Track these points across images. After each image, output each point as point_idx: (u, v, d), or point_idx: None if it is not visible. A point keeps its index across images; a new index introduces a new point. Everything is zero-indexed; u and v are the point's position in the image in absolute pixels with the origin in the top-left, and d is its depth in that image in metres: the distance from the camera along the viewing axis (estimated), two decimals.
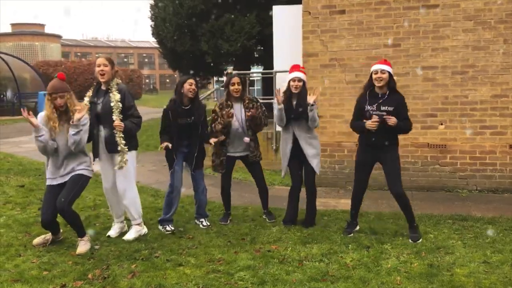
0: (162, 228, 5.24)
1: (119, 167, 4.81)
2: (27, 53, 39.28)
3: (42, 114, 4.52)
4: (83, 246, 4.58)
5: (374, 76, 4.77)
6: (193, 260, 4.31)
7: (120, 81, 4.94)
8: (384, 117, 4.66)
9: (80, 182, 4.61)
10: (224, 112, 5.35)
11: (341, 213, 5.85)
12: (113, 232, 5.09)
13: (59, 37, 46.70)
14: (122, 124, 4.73)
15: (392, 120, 4.64)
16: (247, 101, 5.47)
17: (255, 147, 5.51)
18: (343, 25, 7.27)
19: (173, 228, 5.23)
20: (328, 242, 4.75)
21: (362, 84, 7.13)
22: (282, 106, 5.12)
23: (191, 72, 14.25)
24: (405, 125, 4.81)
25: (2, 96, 23.78)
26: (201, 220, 5.47)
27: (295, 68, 5.23)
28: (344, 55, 7.30)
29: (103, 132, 4.84)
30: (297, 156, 5.28)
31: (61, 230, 4.92)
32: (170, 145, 5.09)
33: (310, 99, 5.05)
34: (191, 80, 5.19)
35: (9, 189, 7.23)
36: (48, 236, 4.78)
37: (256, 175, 5.65)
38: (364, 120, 4.79)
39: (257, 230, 5.22)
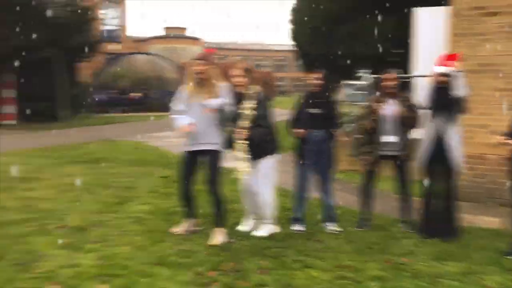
0: (292, 226, 5.33)
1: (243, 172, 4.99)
2: (173, 55, 42.53)
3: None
4: (218, 238, 4.83)
5: None
6: (321, 264, 4.31)
7: (257, 88, 5.10)
8: None
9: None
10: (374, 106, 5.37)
11: (482, 231, 5.42)
12: (245, 228, 5.29)
13: (200, 40, 49.80)
14: (245, 133, 4.94)
15: None
16: (401, 98, 5.39)
17: (406, 146, 5.36)
18: (494, 27, 6.71)
19: (301, 228, 5.28)
20: (466, 261, 4.42)
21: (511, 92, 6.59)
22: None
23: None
24: None
25: (151, 93, 26.03)
26: (327, 223, 5.45)
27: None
28: (494, 60, 6.74)
29: None
30: (438, 152, 5.10)
31: (199, 220, 5.23)
32: (303, 131, 5.18)
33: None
34: (315, 75, 5.33)
35: (154, 179, 7.90)
36: (187, 225, 5.13)
37: (401, 178, 5.47)
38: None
39: (388, 240, 5.04)
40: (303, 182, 5.38)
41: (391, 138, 5.33)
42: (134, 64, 26.39)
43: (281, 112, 5.44)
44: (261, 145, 4.97)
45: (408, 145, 5.41)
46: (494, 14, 6.70)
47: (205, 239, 4.89)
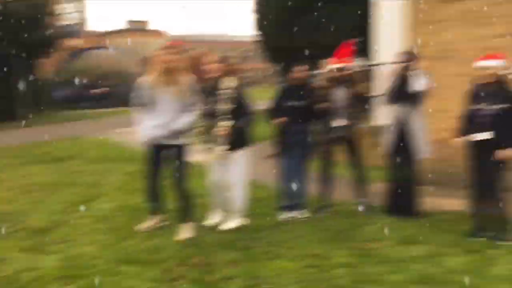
0: (280, 215, 5.39)
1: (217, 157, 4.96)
2: (137, 49, 41.80)
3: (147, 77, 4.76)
4: (186, 232, 4.77)
5: (480, 72, 4.47)
6: (290, 253, 4.32)
7: (234, 81, 5.03)
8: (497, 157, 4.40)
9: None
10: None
11: (447, 214, 5.54)
12: (212, 221, 5.25)
13: (164, 33, 49.10)
14: (226, 130, 4.88)
15: (501, 155, 4.36)
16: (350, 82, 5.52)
17: (356, 128, 5.51)
18: (454, 14, 6.83)
19: (303, 215, 5.39)
20: (431, 244, 4.52)
21: (472, 77, 6.74)
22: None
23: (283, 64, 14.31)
24: None
25: (115, 88, 25.54)
26: (300, 211, 5.48)
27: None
28: (454, 47, 6.87)
29: None
30: (401, 138, 5.30)
31: (166, 215, 5.17)
32: (284, 119, 5.21)
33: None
34: (300, 67, 5.39)
35: (121, 175, 7.75)
36: (155, 221, 5.05)
37: (354, 158, 5.62)
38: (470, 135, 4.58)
39: (356, 226, 5.11)
40: (288, 172, 5.40)
41: (342, 122, 5.43)
42: (96, 59, 25.83)
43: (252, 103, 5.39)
44: (239, 137, 4.96)
45: (359, 129, 5.56)
46: (453, 0, 6.83)
47: (173, 234, 4.83)
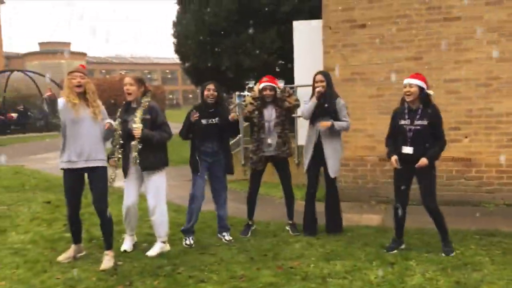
0: (184, 241, 5.29)
1: (111, 180, 4.83)
2: (54, 71, 40.22)
3: (62, 99, 4.58)
4: (107, 262, 4.61)
5: (404, 90, 4.77)
6: (215, 277, 4.30)
7: (149, 99, 5.00)
8: (416, 166, 4.66)
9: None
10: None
11: (365, 229, 5.77)
12: (127, 246, 5.11)
13: (84, 54, 47.75)
14: (140, 132, 4.76)
15: (422, 163, 4.64)
16: (279, 103, 5.61)
17: (282, 144, 5.59)
18: (364, 39, 7.25)
19: (191, 243, 5.25)
20: (352, 259, 4.69)
21: (384, 98, 7.17)
22: (316, 101, 5.39)
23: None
24: (437, 151, 4.76)
25: (29, 113, 24.35)
26: (223, 234, 5.48)
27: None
28: (365, 69, 7.28)
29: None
30: (318, 157, 5.45)
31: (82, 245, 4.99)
32: (197, 115, 5.18)
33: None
34: (209, 86, 5.36)
35: (36, 205, 7.36)
36: (72, 251, 4.84)
37: (283, 177, 5.71)
38: (392, 153, 4.84)
39: (280, 245, 5.19)
40: (195, 191, 5.35)
41: (271, 140, 5.55)
42: (9, 82, 24.45)
43: (172, 125, 5.33)
44: (155, 156, 4.88)
45: (288, 147, 5.67)
46: (363, 26, 7.25)
47: (92, 264, 4.65)
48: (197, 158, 5.31)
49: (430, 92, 4.84)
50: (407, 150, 4.75)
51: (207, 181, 5.49)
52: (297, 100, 5.68)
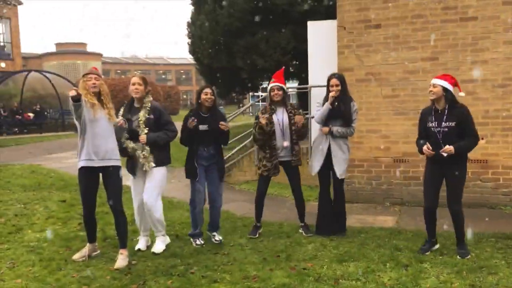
0: (193, 242, 5.31)
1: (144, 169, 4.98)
2: (70, 71, 40.70)
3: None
4: (121, 261, 4.65)
5: (428, 89, 4.74)
6: (228, 277, 4.31)
7: (150, 98, 5.10)
8: (441, 151, 4.59)
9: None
10: (264, 116, 5.50)
11: (379, 230, 5.73)
12: (142, 246, 5.18)
13: (100, 55, 48.21)
14: (145, 139, 4.92)
15: (447, 150, 4.57)
16: (289, 107, 5.63)
17: (298, 152, 5.61)
18: (379, 39, 7.21)
19: (203, 242, 5.29)
20: (365, 260, 4.66)
21: (399, 99, 7.12)
22: (330, 107, 5.38)
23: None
24: (466, 145, 4.66)
25: (46, 113, 24.67)
26: (213, 233, 5.47)
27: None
28: (380, 69, 7.24)
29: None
30: (326, 158, 5.46)
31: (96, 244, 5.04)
32: (195, 122, 5.16)
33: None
34: (206, 90, 5.35)
35: (52, 204, 7.45)
36: (87, 250, 4.89)
37: (294, 183, 5.68)
38: (424, 143, 4.75)
39: (293, 247, 5.18)
40: (195, 198, 5.36)
41: (286, 143, 5.53)
42: (27, 82, 24.78)
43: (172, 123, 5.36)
44: (159, 153, 4.99)
45: (298, 151, 5.65)
46: (378, 26, 7.20)
47: (107, 262, 4.69)
48: (195, 164, 5.29)
49: (462, 93, 4.82)
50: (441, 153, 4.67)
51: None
52: (302, 117, 5.60)
